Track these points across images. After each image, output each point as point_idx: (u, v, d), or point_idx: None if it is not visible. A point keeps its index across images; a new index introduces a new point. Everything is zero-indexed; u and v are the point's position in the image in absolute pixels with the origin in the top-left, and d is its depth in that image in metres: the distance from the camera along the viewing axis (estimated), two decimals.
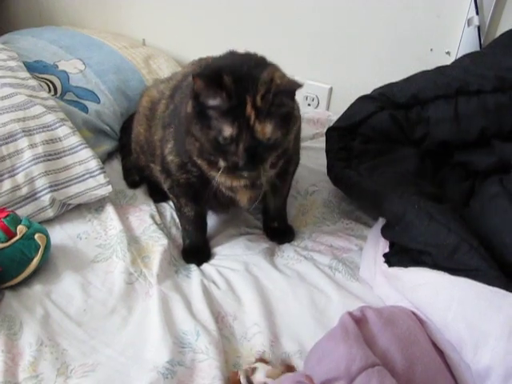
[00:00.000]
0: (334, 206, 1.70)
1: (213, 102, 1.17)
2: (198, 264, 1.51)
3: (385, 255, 1.35)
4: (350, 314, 1.11)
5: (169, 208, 1.70)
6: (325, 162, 1.67)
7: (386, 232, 1.39)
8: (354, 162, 1.55)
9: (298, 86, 1.19)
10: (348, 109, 1.68)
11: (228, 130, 1.16)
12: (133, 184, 1.78)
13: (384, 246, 1.39)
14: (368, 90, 1.73)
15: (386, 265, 1.32)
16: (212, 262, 1.53)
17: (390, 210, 1.36)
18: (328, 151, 1.64)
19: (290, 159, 1.43)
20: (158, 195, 1.73)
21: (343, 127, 1.64)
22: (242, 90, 1.16)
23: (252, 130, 1.16)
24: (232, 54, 1.29)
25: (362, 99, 1.67)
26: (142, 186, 1.79)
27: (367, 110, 1.62)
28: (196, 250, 1.55)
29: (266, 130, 1.17)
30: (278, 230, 1.62)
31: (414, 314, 1.18)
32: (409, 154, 1.57)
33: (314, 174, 1.78)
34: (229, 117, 1.16)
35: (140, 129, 1.65)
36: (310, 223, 1.66)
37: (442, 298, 1.15)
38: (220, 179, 1.31)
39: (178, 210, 1.55)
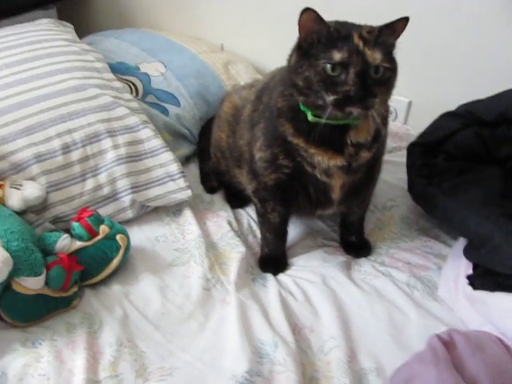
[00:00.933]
0: (411, 222, 1.67)
1: (320, 35, 1.18)
2: (275, 273, 1.50)
3: (468, 277, 1.32)
4: (439, 336, 1.08)
5: (246, 215, 1.71)
6: (404, 176, 1.65)
7: (470, 253, 1.35)
8: (436, 180, 1.50)
9: (400, 22, 1.21)
10: (431, 125, 1.65)
11: (338, 55, 1.15)
12: (211, 189, 1.80)
13: (466, 268, 1.36)
14: (448, 106, 1.69)
15: (469, 287, 1.29)
16: (288, 272, 1.51)
17: (477, 231, 1.32)
18: (409, 167, 1.60)
19: (378, 154, 1.41)
20: (235, 201, 1.73)
21: (426, 143, 1.60)
22: (346, 28, 1.20)
23: (362, 54, 1.16)
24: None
25: (447, 115, 1.63)
26: (219, 191, 1.80)
27: (451, 127, 1.58)
28: (274, 260, 1.54)
29: (376, 55, 1.17)
30: (355, 244, 1.60)
31: (499, 340, 1.15)
32: (494, 173, 1.52)
33: (393, 189, 1.76)
34: (337, 44, 1.16)
35: (222, 134, 1.66)
36: (388, 238, 1.63)
37: None
38: (317, 158, 1.30)
39: (262, 216, 1.52)
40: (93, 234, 1.39)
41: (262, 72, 2.23)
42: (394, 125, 2.09)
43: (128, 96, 1.78)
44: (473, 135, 1.57)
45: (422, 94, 2.09)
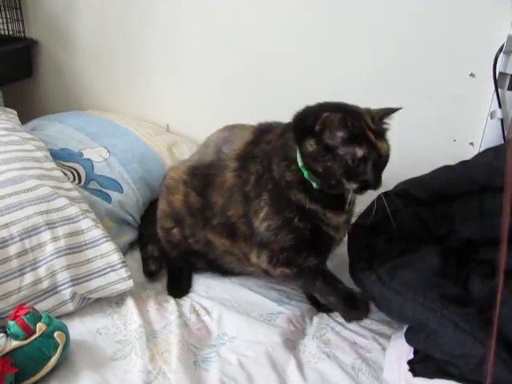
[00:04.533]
0: None
1: (340, 132, 1.34)
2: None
3: (409, 362, 1.31)
4: None
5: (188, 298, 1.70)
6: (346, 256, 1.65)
7: (409, 338, 1.35)
8: (375, 263, 1.51)
9: (393, 110, 1.46)
10: (371, 204, 1.66)
11: (360, 152, 1.33)
12: (150, 274, 1.80)
13: (408, 350, 1.36)
14: (389, 180, 1.71)
15: (410, 373, 1.28)
16: (235, 345, 1.50)
17: (413, 317, 1.32)
18: (350, 249, 1.62)
19: None
20: (177, 289, 1.75)
21: (366, 224, 1.62)
22: (357, 120, 1.35)
23: (376, 148, 1.35)
24: (321, 104, 1.45)
25: (386, 195, 1.65)
26: (163, 276, 1.79)
27: (391, 207, 1.60)
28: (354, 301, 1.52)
29: (385, 146, 1.39)
30: None
31: None
32: (432, 251, 1.53)
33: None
34: (357, 141, 1.34)
35: (174, 197, 1.69)
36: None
37: None
38: (332, 219, 1.48)
39: (300, 274, 1.53)
40: (29, 332, 1.35)
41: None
42: None
43: (69, 185, 1.76)
44: (412, 215, 1.59)
45: None
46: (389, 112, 1.45)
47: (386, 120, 1.45)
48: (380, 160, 1.37)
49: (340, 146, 1.34)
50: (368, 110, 1.42)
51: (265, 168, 1.50)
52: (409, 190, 1.64)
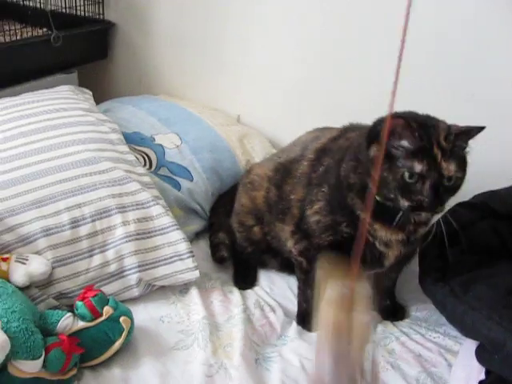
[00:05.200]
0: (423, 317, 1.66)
1: (404, 142, 1.26)
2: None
3: (481, 382, 1.26)
4: None
5: (253, 292, 1.71)
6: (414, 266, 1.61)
7: (482, 357, 1.30)
8: (448, 274, 1.47)
9: (477, 129, 1.30)
10: (446, 214, 1.62)
11: (418, 167, 1.24)
12: (221, 260, 1.81)
13: (478, 369, 1.30)
14: (463, 193, 1.67)
15: None
16: (297, 346, 1.49)
17: (488, 336, 1.27)
18: (421, 258, 1.57)
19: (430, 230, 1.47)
20: (244, 282, 1.75)
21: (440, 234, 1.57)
22: (427, 133, 1.26)
23: (439, 167, 1.25)
24: (405, 112, 1.35)
25: (462, 206, 1.60)
26: (228, 266, 1.80)
27: (467, 218, 1.56)
28: (311, 316, 1.55)
29: (451, 167, 1.26)
30: (391, 308, 1.67)
31: None
32: (508, 268, 1.49)
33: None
34: (418, 155, 1.25)
35: (256, 193, 1.70)
36: (398, 325, 1.62)
37: None
38: (380, 233, 1.40)
39: (306, 273, 1.56)
40: (96, 314, 1.36)
41: (277, 146, 2.23)
42: None
43: (141, 170, 1.77)
44: (489, 228, 1.55)
45: None
46: (470, 131, 1.30)
47: (464, 139, 1.31)
48: (443, 181, 1.26)
49: (400, 158, 1.26)
50: (448, 126, 1.30)
51: (335, 162, 1.47)
52: (486, 203, 1.59)
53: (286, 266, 1.74)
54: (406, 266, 1.62)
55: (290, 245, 1.58)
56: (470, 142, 1.33)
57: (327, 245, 1.46)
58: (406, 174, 1.25)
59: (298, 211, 1.54)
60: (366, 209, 1.35)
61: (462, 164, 1.30)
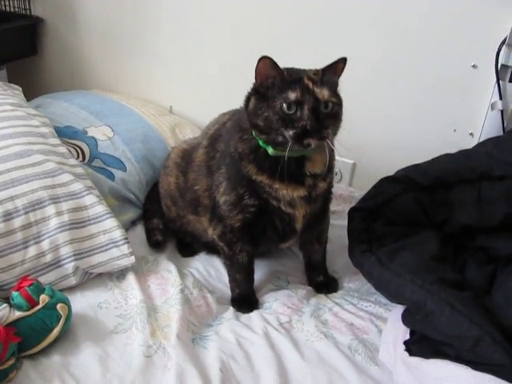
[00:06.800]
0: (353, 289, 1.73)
1: (275, 79, 1.36)
2: (250, 311, 1.59)
3: (405, 342, 1.33)
4: None
5: (191, 270, 1.76)
6: (345, 240, 1.67)
7: (406, 319, 1.38)
8: (374, 246, 1.54)
9: (341, 61, 1.40)
10: (371, 189, 1.68)
11: (293, 95, 1.33)
12: (156, 244, 1.83)
13: (404, 332, 1.38)
14: (391, 168, 1.74)
15: (406, 353, 1.30)
16: (233, 325, 1.53)
17: (410, 299, 1.34)
18: (350, 232, 1.64)
19: (331, 185, 1.61)
20: (186, 250, 1.84)
21: (366, 208, 1.64)
22: (296, 72, 1.40)
23: (313, 92, 1.34)
24: None
25: (386, 180, 1.67)
26: (164, 250, 1.84)
27: (391, 192, 1.63)
28: (246, 299, 1.63)
29: (325, 92, 1.35)
30: (324, 282, 1.73)
31: None
32: (430, 236, 1.57)
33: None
34: (291, 86, 1.34)
35: (170, 179, 1.76)
36: (331, 297, 1.69)
37: None
38: (281, 191, 1.46)
39: (230, 258, 1.62)
40: (32, 303, 1.37)
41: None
42: (338, 187, 2.14)
43: (73, 161, 1.78)
44: (411, 200, 1.62)
45: (366, 156, 2.16)
46: (335, 64, 1.40)
47: (332, 72, 1.40)
48: (320, 108, 1.34)
49: (275, 94, 1.35)
50: (316, 69, 1.41)
51: (226, 144, 1.54)
52: (409, 176, 1.66)
53: (210, 247, 1.80)
54: (324, 234, 1.72)
55: (211, 232, 1.63)
56: None
57: (240, 225, 1.54)
58: (284, 106, 1.33)
59: (209, 200, 1.60)
60: (260, 171, 1.45)
61: (335, 92, 1.41)
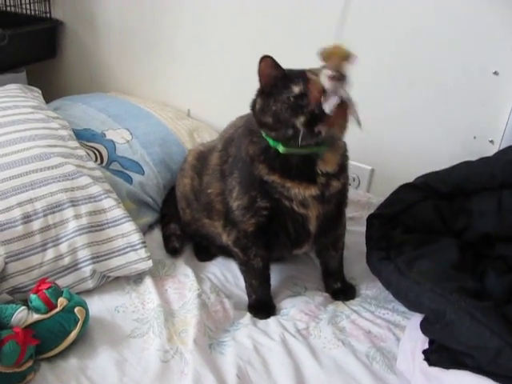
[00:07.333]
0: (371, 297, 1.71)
1: (278, 77, 1.38)
2: (267, 318, 1.58)
3: (424, 352, 1.32)
4: None
5: (208, 275, 1.75)
6: (363, 247, 1.67)
7: (425, 328, 1.36)
8: (393, 253, 1.53)
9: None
10: (390, 196, 1.68)
11: (296, 88, 1.36)
12: (173, 251, 1.82)
13: (423, 341, 1.36)
14: (410, 174, 1.73)
15: (425, 362, 1.29)
16: (250, 331, 1.52)
17: (430, 307, 1.33)
18: (368, 239, 1.63)
19: (346, 185, 1.58)
20: (203, 254, 1.83)
21: (384, 215, 1.63)
22: (297, 70, 1.41)
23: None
24: None
25: (405, 187, 1.66)
26: (181, 254, 1.83)
27: (410, 199, 1.62)
28: (263, 305, 1.62)
29: None
30: (341, 289, 1.71)
31: None
32: (450, 244, 1.55)
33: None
34: (294, 80, 1.37)
35: (185, 180, 1.77)
36: (349, 304, 1.67)
37: None
38: (293, 191, 1.44)
39: (245, 264, 1.61)
40: (50, 306, 1.38)
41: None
42: (356, 193, 2.13)
43: (92, 164, 1.79)
44: (430, 207, 1.61)
45: (384, 162, 2.15)
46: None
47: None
48: None
49: (280, 89, 1.37)
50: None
51: (237, 149, 1.54)
52: (429, 183, 1.65)
53: (225, 251, 1.78)
54: (341, 239, 1.70)
55: (225, 238, 1.63)
56: None
57: (253, 230, 1.53)
58: (291, 98, 1.35)
59: (222, 205, 1.59)
60: (271, 171, 1.45)
61: None
